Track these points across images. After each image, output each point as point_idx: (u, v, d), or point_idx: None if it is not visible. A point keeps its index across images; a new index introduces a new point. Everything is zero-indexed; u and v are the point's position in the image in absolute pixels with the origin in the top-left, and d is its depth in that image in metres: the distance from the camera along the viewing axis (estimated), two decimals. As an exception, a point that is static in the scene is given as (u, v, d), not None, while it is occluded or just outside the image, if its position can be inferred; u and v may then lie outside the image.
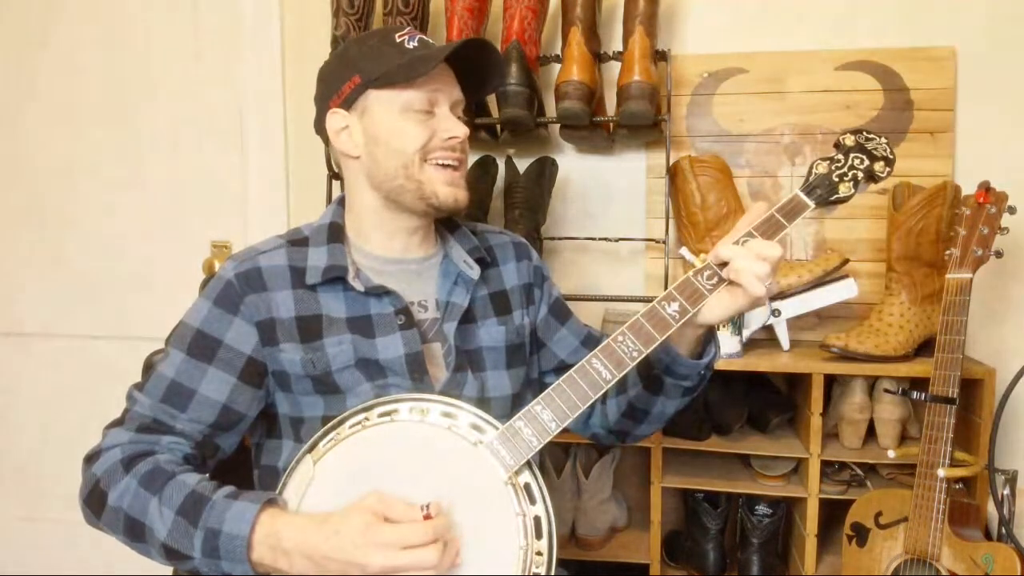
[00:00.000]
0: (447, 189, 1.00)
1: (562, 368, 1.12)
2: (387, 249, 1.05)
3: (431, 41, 1.02)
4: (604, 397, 1.12)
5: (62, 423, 2.14)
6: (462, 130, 1.00)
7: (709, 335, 1.01)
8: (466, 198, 1.02)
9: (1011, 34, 1.74)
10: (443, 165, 1.00)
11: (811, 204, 0.95)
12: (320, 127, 1.05)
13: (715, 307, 0.93)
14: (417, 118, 0.99)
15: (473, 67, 1.03)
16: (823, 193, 0.95)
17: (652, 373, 1.03)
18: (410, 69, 0.96)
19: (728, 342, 1.58)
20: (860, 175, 0.96)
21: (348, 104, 1.01)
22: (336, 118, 1.02)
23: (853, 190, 0.96)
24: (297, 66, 1.97)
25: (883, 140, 0.99)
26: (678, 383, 1.03)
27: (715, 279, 0.92)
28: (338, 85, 1.00)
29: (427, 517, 0.81)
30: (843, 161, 0.97)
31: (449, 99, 1.01)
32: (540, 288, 1.16)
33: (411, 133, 0.98)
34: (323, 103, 1.03)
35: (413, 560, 0.79)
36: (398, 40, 0.99)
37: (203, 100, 2.01)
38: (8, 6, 2.09)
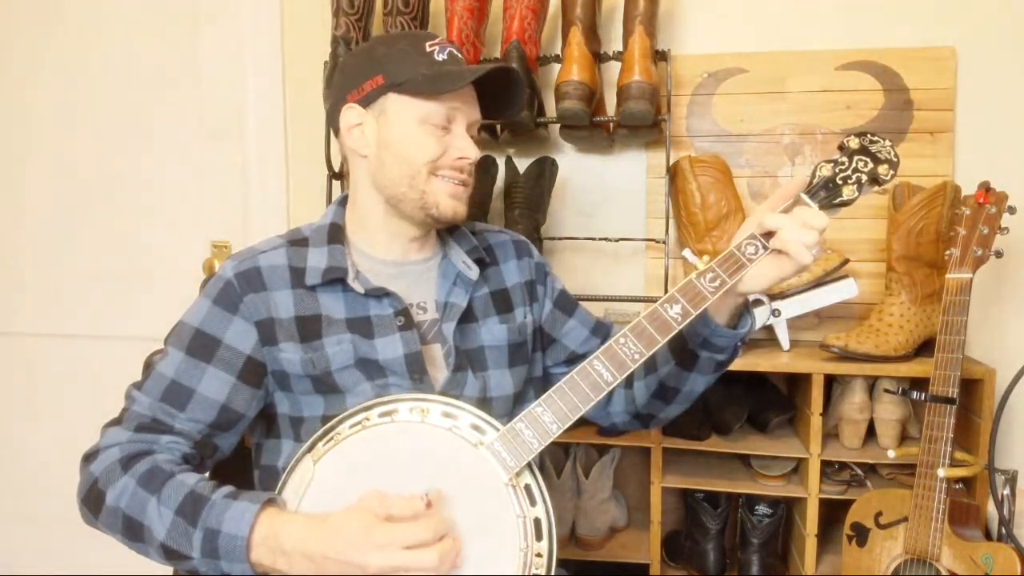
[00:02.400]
0: (449, 201, 1.00)
1: (574, 359, 1.12)
2: (387, 251, 1.05)
3: (460, 56, 1.01)
4: (630, 382, 1.12)
5: (62, 423, 2.13)
6: (474, 152, 1.01)
7: (745, 307, 1.01)
8: (465, 213, 1.03)
9: (1011, 34, 1.74)
10: (450, 181, 1.00)
11: (814, 207, 0.95)
12: (333, 118, 1.04)
13: (758, 275, 0.93)
14: (433, 132, 0.98)
15: (494, 89, 1.03)
16: (827, 196, 0.95)
17: (687, 348, 1.03)
18: (438, 83, 0.96)
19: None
20: (864, 178, 0.96)
21: (366, 102, 1.00)
22: (352, 113, 1.01)
23: (857, 193, 0.95)
24: (297, 66, 1.97)
25: (887, 143, 0.99)
26: (713, 356, 1.02)
27: (717, 282, 0.92)
28: (359, 81, 1.00)
29: (428, 505, 0.82)
30: (847, 164, 0.97)
31: (467, 118, 1.01)
32: (543, 284, 1.16)
33: (424, 145, 0.98)
34: (341, 95, 1.02)
35: (413, 560, 0.79)
36: (428, 49, 0.98)
37: (203, 100, 2.01)
38: (9, 6, 2.09)
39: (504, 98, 1.05)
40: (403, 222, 1.03)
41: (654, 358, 1.05)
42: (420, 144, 0.98)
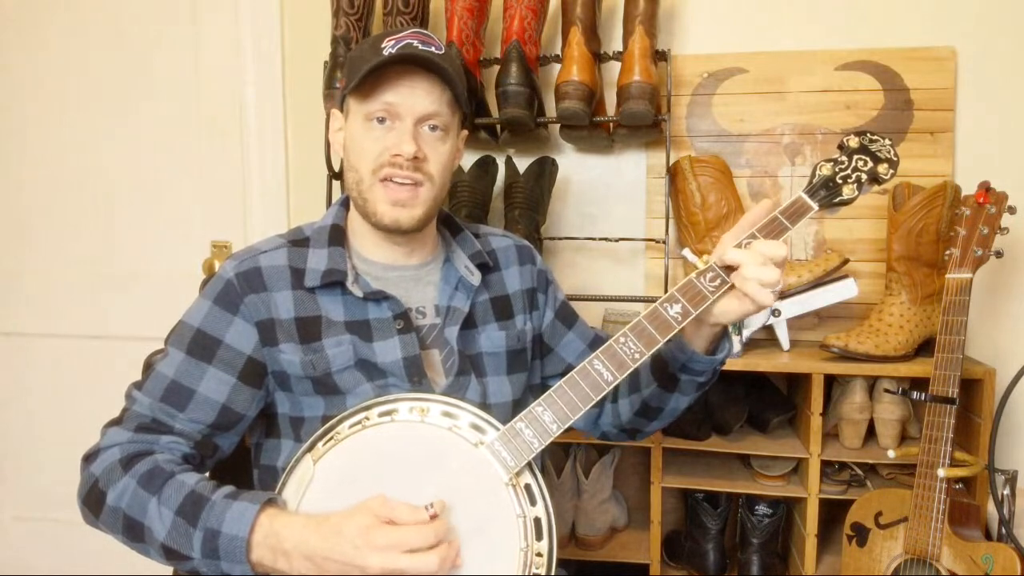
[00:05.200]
0: (388, 209, 0.97)
1: (569, 372, 1.12)
2: (376, 255, 1.04)
3: (422, 46, 0.95)
4: (615, 396, 1.12)
5: (62, 423, 2.13)
6: (407, 148, 0.94)
7: (724, 331, 1.00)
8: (412, 220, 0.98)
9: (1011, 34, 1.74)
10: (392, 182, 0.96)
11: (815, 206, 0.95)
12: None
13: (727, 310, 0.92)
14: (376, 130, 0.97)
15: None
16: (827, 195, 0.95)
17: (667, 371, 1.03)
18: (352, 79, 0.95)
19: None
20: (864, 177, 0.96)
21: (341, 106, 1.03)
22: (334, 120, 1.05)
23: (857, 192, 0.95)
24: (297, 66, 1.97)
25: (887, 142, 0.99)
26: (693, 379, 1.03)
27: (718, 281, 0.92)
28: (339, 86, 1.02)
29: (433, 516, 0.81)
30: (847, 163, 0.97)
31: (414, 113, 0.96)
32: (544, 293, 1.15)
33: (365, 149, 0.97)
34: (328, 103, 1.05)
35: (413, 563, 0.79)
36: (382, 46, 0.96)
37: (203, 100, 2.01)
38: (7, 7, 2.08)
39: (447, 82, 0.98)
40: (371, 227, 1.02)
41: (637, 377, 1.06)
42: (360, 147, 0.97)
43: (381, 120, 0.97)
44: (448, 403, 0.91)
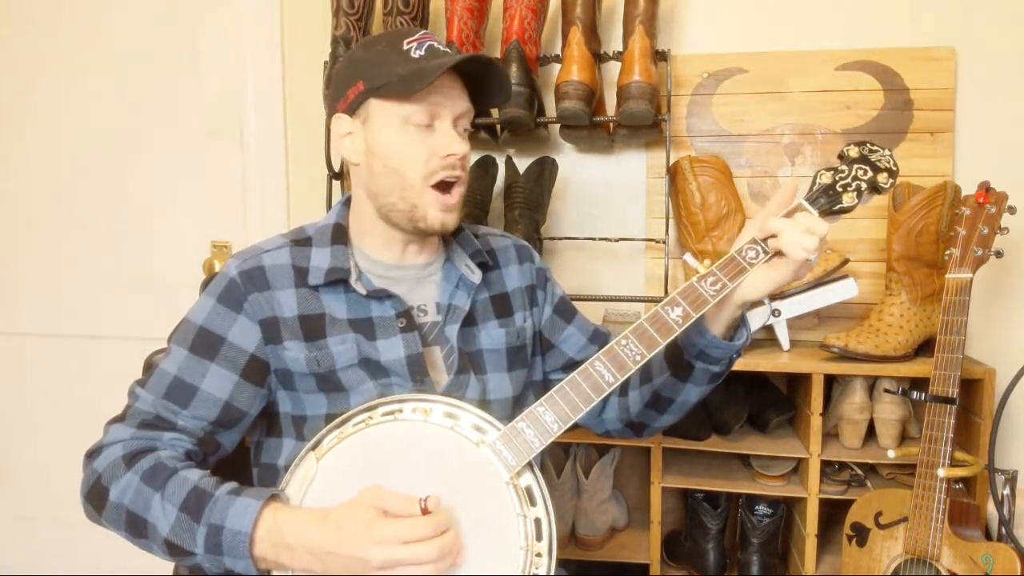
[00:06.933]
0: (438, 214, 0.98)
1: (571, 365, 1.13)
2: (383, 255, 1.04)
3: (441, 47, 0.98)
4: (625, 390, 1.12)
5: (62, 423, 2.13)
6: (461, 148, 0.98)
7: (742, 320, 1.01)
8: (455, 222, 1.01)
9: (1011, 34, 1.74)
10: (443, 184, 0.98)
11: (814, 214, 0.95)
12: (329, 128, 1.06)
13: (756, 281, 0.93)
14: (416, 133, 0.97)
15: (479, 79, 1.00)
16: (826, 203, 0.96)
17: (683, 359, 1.03)
18: (408, 83, 0.94)
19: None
20: (864, 186, 0.97)
21: (352, 110, 1.00)
22: (341, 123, 1.01)
23: (856, 200, 0.96)
24: (297, 66, 1.97)
25: (887, 152, 1.00)
26: (708, 368, 1.02)
27: (719, 285, 0.92)
28: (344, 89, 0.99)
29: (424, 511, 0.82)
30: (847, 172, 0.98)
31: (452, 112, 0.98)
32: (543, 289, 1.16)
33: (411, 155, 0.96)
34: (332, 104, 1.02)
35: (413, 555, 0.80)
36: (405, 47, 0.96)
37: (203, 100, 2.01)
38: (10, 5, 2.09)
39: (487, 87, 1.02)
40: (394, 229, 1.02)
41: (649, 367, 1.06)
42: (406, 153, 0.97)
43: (422, 124, 0.97)
44: (451, 404, 0.92)
